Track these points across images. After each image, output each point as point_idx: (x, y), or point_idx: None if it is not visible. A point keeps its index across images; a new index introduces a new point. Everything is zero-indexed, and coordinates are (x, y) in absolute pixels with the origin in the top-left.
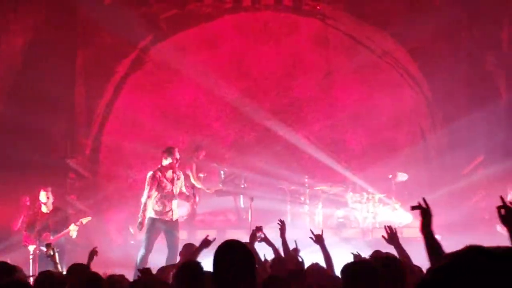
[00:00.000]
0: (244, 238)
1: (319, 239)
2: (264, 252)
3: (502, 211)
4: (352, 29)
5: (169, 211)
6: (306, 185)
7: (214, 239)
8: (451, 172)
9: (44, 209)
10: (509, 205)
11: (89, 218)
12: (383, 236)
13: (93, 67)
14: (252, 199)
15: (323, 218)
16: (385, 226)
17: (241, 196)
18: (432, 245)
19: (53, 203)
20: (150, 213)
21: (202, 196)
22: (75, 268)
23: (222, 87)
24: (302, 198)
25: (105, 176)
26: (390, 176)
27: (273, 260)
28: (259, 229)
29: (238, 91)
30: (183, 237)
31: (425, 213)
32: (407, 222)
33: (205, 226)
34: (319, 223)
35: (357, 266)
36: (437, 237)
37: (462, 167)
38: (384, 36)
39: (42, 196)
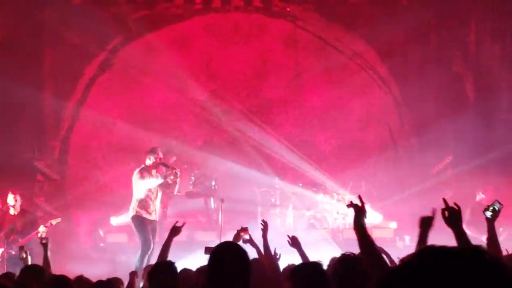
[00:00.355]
0: (215, 239)
1: (295, 242)
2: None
3: (446, 213)
4: (321, 31)
5: (154, 210)
6: (277, 186)
7: (183, 224)
8: (420, 172)
9: (11, 211)
10: (454, 206)
11: (58, 219)
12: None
13: (61, 68)
14: (222, 200)
15: (293, 219)
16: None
17: (212, 198)
18: (365, 242)
19: (21, 206)
20: (137, 212)
21: (172, 197)
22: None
23: (192, 88)
24: (273, 200)
25: (74, 178)
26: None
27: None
28: (244, 230)
29: (208, 92)
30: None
31: (358, 211)
32: (377, 223)
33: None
34: (290, 224)
35: (306, 268)
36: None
37: (431, 167)
38: (353, 37)
39: (10, 198)
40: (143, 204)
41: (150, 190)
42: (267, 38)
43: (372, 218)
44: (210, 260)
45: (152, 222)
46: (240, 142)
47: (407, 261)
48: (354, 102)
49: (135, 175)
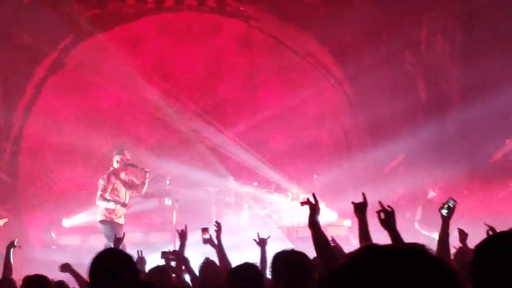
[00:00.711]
0: (170, 240)
1: (262, 243)
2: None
3: (381, 215)
4: (275, 30)
5: (123, 214)
6: (231, 186)
7: (186, 227)
8: (374, 170)
9: None
10: (388, 209)
11: (5, 220)
12: (254, 239)
13: (11, 68)
14: (177, 200)
15: (248, 219)
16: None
17: (166, 198)
18: (319, 240)
19: None
20: (106, 217)
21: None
22: None
23: (145, 88)
24: (228, 199)
25: (25, 180)
26: (315, 177)
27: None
28: (204, 230)
29: (161, 92)
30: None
31: (313, 209)
32: (331, 221)
33: (129, 228)
34: (245, 224)
35: (242, 269)
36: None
37: (384, 165)
38: (307, 37)
39: None
40: (111, 207)
41: (117, 193)
42: (221, 37)
43: (326, 216)
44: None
45: (118, 226)
46: (194, 142)
47: (351, 258)
48: (308, 101)
49: (103, 180)
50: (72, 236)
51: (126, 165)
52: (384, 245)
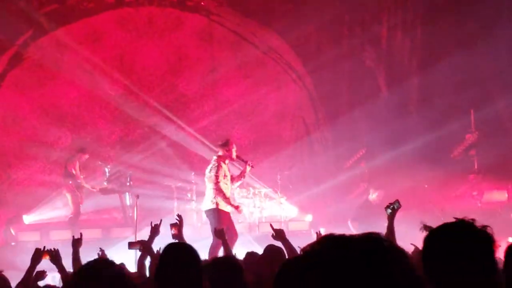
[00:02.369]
0: (131, 236)
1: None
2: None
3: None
4: (236, 25)
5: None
6: (193, 181)
7: (161, 222)
8: (335, 166)
9: None
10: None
11: None
12: (272, 235)
13: None
14: (137, 196)
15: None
16: (270, 224)
17: (127, 194)
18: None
19: None
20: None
21: (86, 194)
22: None
23: (105, 84)
24: (189, 195)
25: None
26: (278, 176)
27: None
28: (173, 225)
29: (122, 88)
30: (68, 236)
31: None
32: (292, 216)
33: (90, 225)
34: (206, 219)
35: (220, 262)
36: None
37: (345, 160)
38: (268, 32)
39: None
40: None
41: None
42: (182, 32)
43: (288, 211)
44: (159, 261)
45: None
46: (155, 137)
47: (309, 249)
48: (269, 96)
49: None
50: (32, 232)
51: (234, 156)
52: (341, 234)
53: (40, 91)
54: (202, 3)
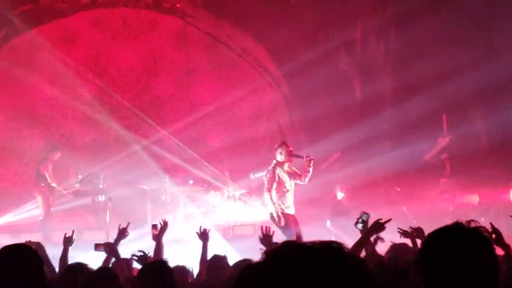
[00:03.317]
0: (103, 239)
1: (204, 236)
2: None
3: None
4: (211, 28)
5: (290, 205)
6: (167, 184)
7: (128, 224)
8: None
9: None
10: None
11: None
12: (259, 236)
13: None
14: (110, 199)
15: (184, 217)
16: (261, 227)
17: (99, 196)
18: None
19: None
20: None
21: (58, 197)
22: None
23: (79, 85)
24: (163, 197)
25: None
26: (252, 176)
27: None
28: (154, 227)
29: (96, 89)
30: (39, 239)
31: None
32: (266, 219)
33: (62, 227)
34: (181, 222)
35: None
36: None
37: (319, 163)
38: (243, 34)
39: None
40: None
41: (283, 184)
42: (157, 34)
43: (262, 214)
44: None
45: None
46: (130, 139)
47: (269, 255)
48: (244, 99)
49: (268, 174)
50: (2, 235)
51: (290, 156)
52: (303, 242)
53: (13, 92)
54: (178, 5)
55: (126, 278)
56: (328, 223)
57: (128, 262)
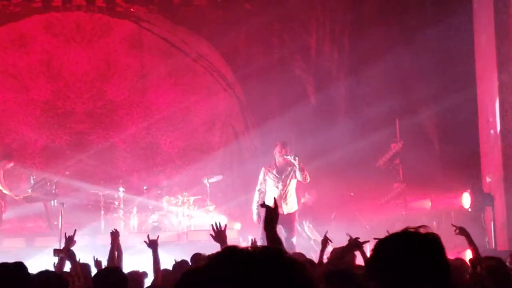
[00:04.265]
0: (55, 244)
1: (153, 244)
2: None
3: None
4: (166, 32)
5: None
6: (121, 189)
7: (75, 232)
8: None
9: None
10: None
11: None
12: (210, 234)
13: None
14: (63, 204)
15: (138, 223)
16: (211, 225)
17: (52, 202)
18: (273, 241)
19: None
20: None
21: (10, 202)
22: None
23: (31, 89)
24: (116, 203)
25: None
26: (205, 180)
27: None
28: (112, 234)
29: (49, 94)
30: None
31: (270, 212)
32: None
33: (13, 233)
34: (134, 227)
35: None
36: None
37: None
38: (198, 39)
39: None
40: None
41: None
42: (111, 38)
43: (216, 220)
44: None
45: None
46: (83, 144)
47: (211, 260)
48: (199, 104)
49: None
50: None
51: (281, 156)
52: (244, 247)
53: None
54: (132, 10)
55: (82, 284)
56: (306, 227)
57: (85, 267)
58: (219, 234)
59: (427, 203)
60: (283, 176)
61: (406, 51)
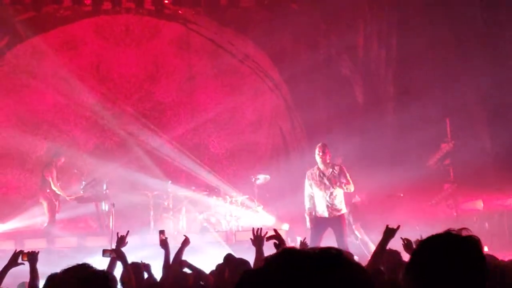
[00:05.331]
0: (106, 245)
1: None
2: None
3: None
4: (213, 34)
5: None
6: (169, 190)
7: (127, 233)
8: None
9: None
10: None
11: None
12: (250, 238)
13: None
14: (113, 205)
15: (186, 223)
16: (253, 228)
17: (103, 203)
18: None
19: None
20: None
21: (62, 203)
22: None
23: (82, 91)
24: (166, 203)
25: None
26: (252, 178)
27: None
28: (162, 232)
29: (99, 95)
30: (43, 245)
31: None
32: (269, 225)
33: (65, 233)
34: (183, 227)
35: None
36: None
37: None
38: (245, 40)
39: None
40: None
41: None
42: (159, 41)
43: (264, 220)
44: None
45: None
46: (132, 145)
47: (268, 261)
48: (246, 105)
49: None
50: (7, 241)
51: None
52: (300, 249)
53: (15, 99)
54: (180, 12)
55: (133, 285)
56: (353, 226)
57: (137, 267)
58: (257, 239)
59: (479, 204)
60: (325, 180)
61: (455, 48)
